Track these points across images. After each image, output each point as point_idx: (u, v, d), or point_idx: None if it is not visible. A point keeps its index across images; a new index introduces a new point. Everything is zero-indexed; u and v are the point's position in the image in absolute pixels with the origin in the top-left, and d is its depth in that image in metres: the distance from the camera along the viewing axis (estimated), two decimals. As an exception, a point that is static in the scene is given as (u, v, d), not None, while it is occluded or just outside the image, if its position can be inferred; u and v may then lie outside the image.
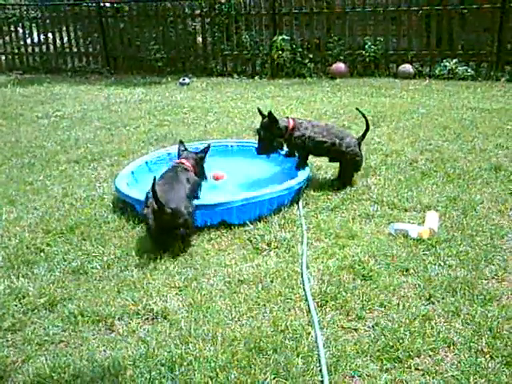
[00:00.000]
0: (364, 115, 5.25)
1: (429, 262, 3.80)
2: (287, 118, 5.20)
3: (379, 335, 3.10)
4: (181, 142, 4.93)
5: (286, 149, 5.28)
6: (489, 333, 3.09)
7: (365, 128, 5.18)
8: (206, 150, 4.81)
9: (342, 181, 5.17)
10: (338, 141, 5.07)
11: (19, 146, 6.89)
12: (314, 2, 11.45)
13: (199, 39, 12.48)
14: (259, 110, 5.18)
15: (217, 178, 5.27)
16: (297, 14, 11.57)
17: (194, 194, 4.49)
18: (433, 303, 3.38)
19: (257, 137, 5.18)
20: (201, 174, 4.76)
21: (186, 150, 4.86)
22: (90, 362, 3.00)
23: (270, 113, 5.01)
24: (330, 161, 5.31)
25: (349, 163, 5.11)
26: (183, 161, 4.67)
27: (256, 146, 5.19)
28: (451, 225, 4.31)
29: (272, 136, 5.07)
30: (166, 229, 4.06)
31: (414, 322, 3.19)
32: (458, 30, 10.78)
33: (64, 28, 12.95)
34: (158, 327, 3.27)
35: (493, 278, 3.64)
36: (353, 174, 5.21)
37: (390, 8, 10.98)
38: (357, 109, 5.46)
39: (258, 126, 5.20)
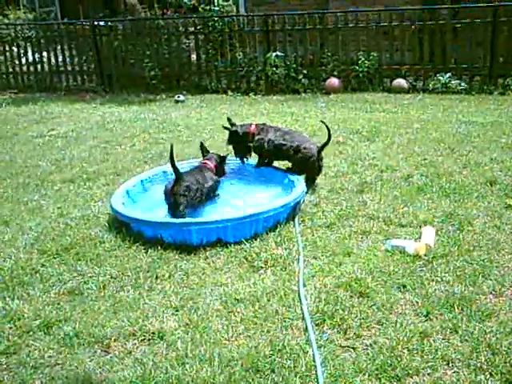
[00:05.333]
0: (328, 128, 5.49)
1: (426, 279, 3.79)
2: (250, 124, 5.68)
3: (377, 353, 3.08)
4: (202, 145, 5.58)
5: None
6: (487, 349, 3.07)
7: (327, 139, 5.44)
8: (226, 156, 5.49)
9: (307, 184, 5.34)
10: (296, 143, 5.38)
11: (14, 165, 6.86)
12: (306, 19, 11.51)
13: (193, 56, 12.51)
14: (224, 127, 5.76)
15: None
16: (290, 31, 11.62)
17: (213, 191, 5.14)
18: (430, 320, 3.37)
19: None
20: (221, 172, 5.39)
21: (207, 151, 5.53)
22: (86, 385, 2.98)
23: (224, 126, 5.73)
24: (291, 166, 5.52)
25: (308, 167, 5.38)
26: (207, 162, 5.29)
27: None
28: (447, 240, 4.31)
29: (237, 141, 5.65)
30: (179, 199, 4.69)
31: (412, 339, 3.17)
32: (450, 45, 10.86)
33: (58, 47, 12.94)
34: (155, 348, 3.25)
35: (490, 293, 3.63)
36: (315, 177, 5.49)
37: (383, 23, 11.05)
38: (322, 121, 5.83)
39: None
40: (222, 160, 5.42)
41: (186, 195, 4.68)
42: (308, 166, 5.38)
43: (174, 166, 4.70)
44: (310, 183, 5.42)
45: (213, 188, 5.12)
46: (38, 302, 3.75)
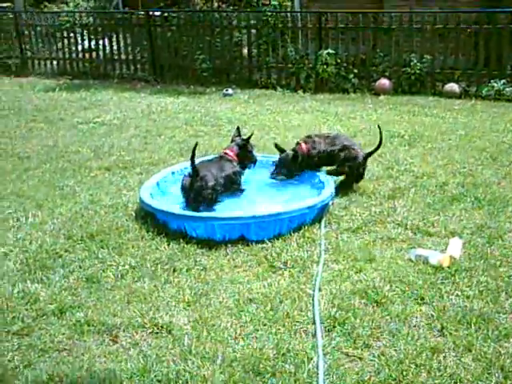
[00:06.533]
0: (381, 136, 5.42)
1: (445, 292, 3.67)
2: (298, 143, 5.49)
3: (383, 366, 3.01)
4: (237, 129, 5.47)
5: None
6: (500, 371, 2.96)
7: (376, 146, 5.40)
8: (248, 138, 5.28)
9: (345, 185, 5.38)
10: (345, 143, 5.34)
11: (55, 150, 7.02)
12: (360, 18, 11.32)
13: (245, 51, 12.50)
14: (276, 145, 5.59)
15: None
16: (343, 29, 11.46)
17: (233, 181, 5.03)
18: (444, 335, 3.27)
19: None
20: (247, 159, 5.27)
21: (239, 135, 5.38)
22: (88, 372, 3.01)
23: (275, 145, 5.59)
24: (330, 172, 5.45)
25: (344, 161, 5.30)
26: (227, 151, 5.16)
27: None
28: (475, 253, 4.16)
29: (291, 167, 5.44)
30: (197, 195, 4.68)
31: (422, 354, 3.09)
32: (507, 50, 10.48)
33: (114, 35, 13.16)
34: (161, 341, 3.26)
35: (512, 312, 3.50)
36: (352, 183, 5.40)
37: (438, 25, 10.77)
38: (378, 127, 5.60)
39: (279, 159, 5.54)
40: (243, 147, 5.23)
41: (206, 196, 4.70)
42: (351, 166, 5.28)
43: (193, 162, 4.67)
44: (346, 186, 5.35)
45: (231, 178, 5.00)
46: (55, 286, 3.84)
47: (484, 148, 6.72)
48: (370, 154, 5.38)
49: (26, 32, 13.90)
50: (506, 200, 5.11)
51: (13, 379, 2.98)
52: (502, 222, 4.69)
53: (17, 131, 8.09)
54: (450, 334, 3.27)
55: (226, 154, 5.15)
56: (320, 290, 3.72)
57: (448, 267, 3.94)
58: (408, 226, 4.63)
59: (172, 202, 4.90)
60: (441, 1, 11.88)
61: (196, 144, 4.78)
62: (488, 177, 5.72)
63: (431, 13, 10.93)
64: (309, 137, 5.57)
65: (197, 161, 4.75)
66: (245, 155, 5.25)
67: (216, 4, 17.85)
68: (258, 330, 3.33)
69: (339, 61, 11.36)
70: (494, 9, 10.72)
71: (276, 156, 5.59)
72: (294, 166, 5.41)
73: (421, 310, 3.50)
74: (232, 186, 5.05)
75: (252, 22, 12.13)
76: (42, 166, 6.39)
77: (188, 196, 4.74)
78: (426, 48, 10.96)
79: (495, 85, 10.19)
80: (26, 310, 3.58)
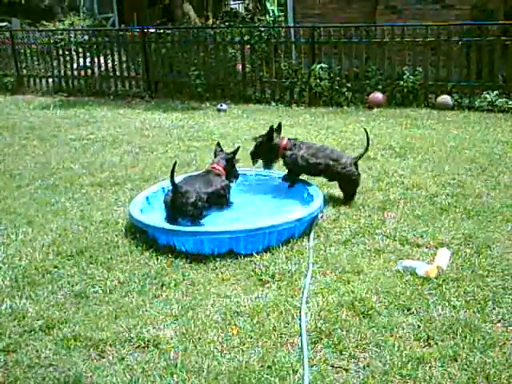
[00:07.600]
0: (368, 138, 5.51)
1: (432, 302, 3.68)
2: (283, 138, 5.52)
3: (368, 377, 3.01)
4: (218, 144, 5.47)
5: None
6: (485, 381, 2.96)
7: (365, 149, 5.52)
8: (235, 152, 5.30)
9: (345, 199, 5.43)
10: (331, 162, 5.29)
11: (47, 167, 7.04)
12: (353, 32, 11.41)
13: (239, 66, 12.57)
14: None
15: None
16: (335, 43, 11.54)
17: (222, 195, 5.02)
18: (430, 346, 3.26)
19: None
20: (231, 174, 5.29)
21: (222, 150, 5.38)
22: (73, 388, 3.01)
23: (271, 128, 5.48)
24: (329, 180, 5.55)
25: (346, 183, 5.37)
26: (215, 166, 5.17)
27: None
28: (462, 263, 4.17)
29: (265, 148, 5.49)
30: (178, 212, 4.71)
31: (407, 364, 3.08)
32: (499, 62, 10.54)
33: (109, 52, 13.24)
34: (148, 356, 3.26)
35: (499, 321, 3.50)
36: (354, 191, 5.45)
37: (430, 38, 10.85)
38: (364, 129, 5.68)
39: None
40: (229, 160, 5.25)
41: (186, 212, 4.70)
42: (348, 181, 5.37)
43: (172, 178, 4.67)
44: (349, 195, 5.44)
45: (219, 193, 4.99)
46: (44, 302, 3.84)
47: (474, 159, 6.75)
48: (358, 159, 5.46)
49: (22, 50, 14.01)
50: (496, 210, 5.12)
51: (-3, 396, 2.98)
52: (490, 232, 4.70)
53: (10, 148, 8.13)
54: (436, 344, 3.27)
55: (213, 168, 5.15)
56: (307, 302, 3.72)
57: (435, 278, 3.94)
58: (396, 238, 4.64)
59: (160, 217, 4.91)
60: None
61: (175, 163, 4.75)
62: (477, 187, 5.73)
63: (423, 26, 11.02)
64: (296, 139, 5.60)
65: (182, 176, 4.76)
66: (231, 169, 5.27)
67: (211, 20, 18.01)
68: (244, 343, 3.33)
69: (332, 75, 11.41)
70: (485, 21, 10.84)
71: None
72: (265, 147, 5.47)
73: (407, 321, 3.50)
74: (220, 200, 5.05)
75: (245, 37, 12.21)
76: (34, 182, 6.41)
77: (170, 212, 4.76)
78: (419, 61, 11.02)
79: (488, 96, 10.24)
80: (14, 326, 3.58)
